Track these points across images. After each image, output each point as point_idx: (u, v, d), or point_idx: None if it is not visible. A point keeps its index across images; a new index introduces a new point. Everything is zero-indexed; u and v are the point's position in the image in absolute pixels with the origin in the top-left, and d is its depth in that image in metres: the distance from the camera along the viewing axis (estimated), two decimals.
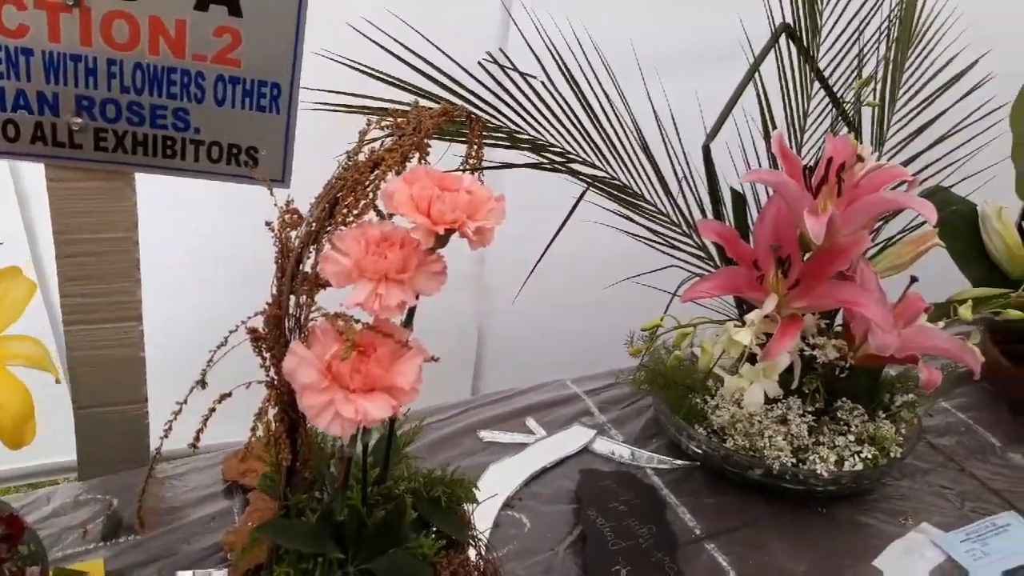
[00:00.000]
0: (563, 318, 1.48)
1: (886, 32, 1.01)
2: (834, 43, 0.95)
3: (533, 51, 0.80)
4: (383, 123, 0.63)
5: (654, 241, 0.89)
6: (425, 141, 0.65)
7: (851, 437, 0.91)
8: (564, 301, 1.45)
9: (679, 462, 0.96)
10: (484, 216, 0.57)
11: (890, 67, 1.03)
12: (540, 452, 0.95)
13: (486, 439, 0.98)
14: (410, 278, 0.56)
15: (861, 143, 1.02)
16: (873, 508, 0.92)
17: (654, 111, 0.88)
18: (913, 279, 0.93)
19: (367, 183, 0.59)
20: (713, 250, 0.93)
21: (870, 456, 0.89)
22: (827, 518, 0.91)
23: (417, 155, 0.64)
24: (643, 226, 0.90)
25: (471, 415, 1.02)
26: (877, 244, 1.04)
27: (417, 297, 0.59)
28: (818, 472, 0.87)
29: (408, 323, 0.61)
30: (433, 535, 0.68)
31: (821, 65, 0.95)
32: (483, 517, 0.83)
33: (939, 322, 0.96)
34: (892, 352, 0.87)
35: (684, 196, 0.90)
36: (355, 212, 0.59)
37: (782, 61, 0.92)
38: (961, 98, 1.06)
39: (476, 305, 1.56)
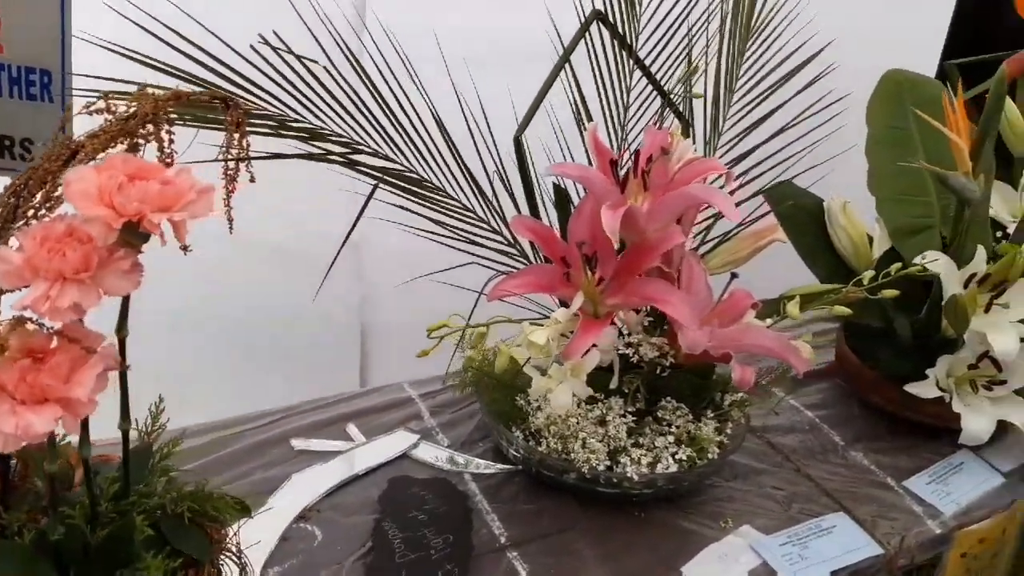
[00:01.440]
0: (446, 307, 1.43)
1: (723, 19, 0.98)
2: (655, 30, 0.91)
3: (315, 37, 0.76)
4: (92, 108, 0.57)
5: (454, 238, 0.85)
6: (168, 129, 0.60)
7: (670, 438, 0.88)
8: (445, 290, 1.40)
9: (501, 467, 0.92)
10: (181, 208, 0.52)
11: (725, 57, 1.00)
12: (351, 460, 0.90)
13: (298, 448, 0.93)
14: (93, 277, 0.51)
15: (693, 135, 0.99)
16: (696, 511, 0.90)
17: (460, 104, 0.84)
18: (733, 275, 0.90)
19: (61, 176, 0.54)
20: (527, 247, 0.89)
21: (685, 457, 0.86)
22: (645, 522, 0.87)
23: (157, 144, 0.59)
24: (442, 223, 0.85)
25: (289, 422, 0.97)
26: (713, 239, 1.02)
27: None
28: (628, 475, 0.83)
29: (122, 325, 0.56)
30: (172, 554, 0.63)
31: (644, 54, 0.92)
32: (271, 531, 0.79)
33: (767, 319, 0.94)
34: (703, 350, 0.84)
35: (495, 192, 0.86)
36: (47, 207, 0.54)
37: (594, 50, 0.88)
38: (802, 89, 1.04)
39: (355, 296, 1.50)
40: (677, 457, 0.85)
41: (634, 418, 0.89)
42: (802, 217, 1.12)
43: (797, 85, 1.04)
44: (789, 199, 1.11)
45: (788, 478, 0.97)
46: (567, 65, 0.84)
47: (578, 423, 0.87)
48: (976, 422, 0.97)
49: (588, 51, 0.87)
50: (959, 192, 0.96)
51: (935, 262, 0.98)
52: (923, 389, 1.00)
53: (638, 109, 0.94)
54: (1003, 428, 1.06)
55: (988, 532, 0.95)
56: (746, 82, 1.03)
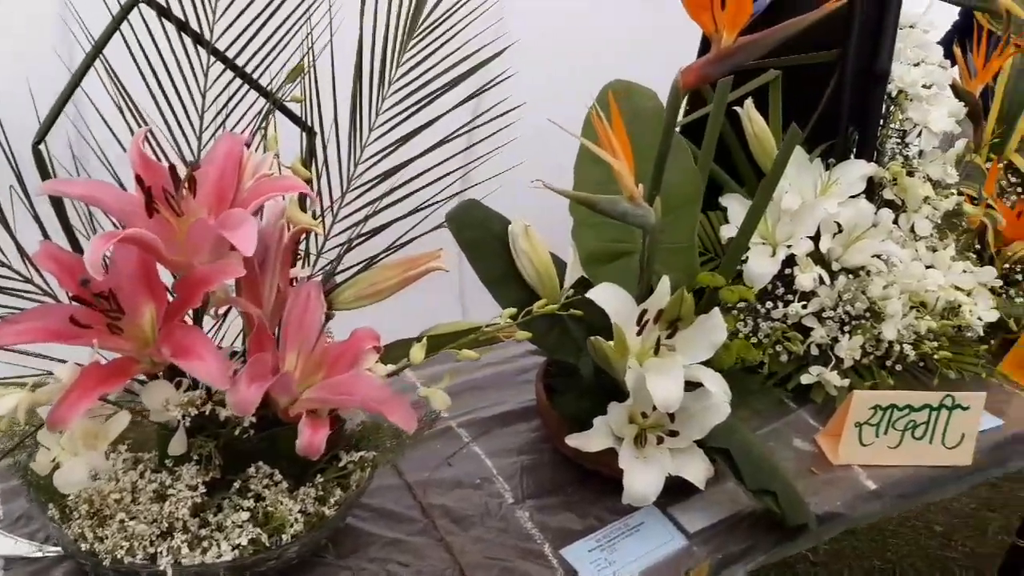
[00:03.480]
0: None
1: (362, 12, 0.83)
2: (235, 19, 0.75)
3: None
4: None
5: None
6: None
7: (244, 515, 0.72)
8: None
9: (52, 551, 0.75)
10: None
11: (378, 55, 0.86)
12: None
13: None
14: None
15: (323, 144, 0.84)
16: None
17: None
18: (328, 316, 0.75)
19: None
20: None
21: (245, 543, 0.70)
22: None
23: None
24: None
25: None
26: (358, 263, 0.87)
27: None
28: (161, 569, 0.67)
29: None
30: None
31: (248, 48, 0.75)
32: None
33: (389, 365, 0.80)
34: (249, 409, 0.68)
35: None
36: None
37: (126, 39, 0.70)
38: (469, 98, 0.90)
39: None
40: (236, 542, 0.70)
41: (206, 491, 0.73)
42: (489, 242, 0.98)
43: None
44: (473, 222, 0.98)
45: (422, 549, 0.83)
46: (102, 58, 0.67)
47: (123, 499, 0.70)
48: (640, 479, 0.85)
49: (124, 39, 0.69)
50: (622, 218, 0.83)
51: (600, 296, 0.86)
52: (586, 440, 0.87)
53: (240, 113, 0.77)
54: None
55: None
56: (406, 85, 0.89)
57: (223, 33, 0.74)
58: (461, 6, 0.89)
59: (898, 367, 1.18)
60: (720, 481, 0.94)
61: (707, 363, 0.89)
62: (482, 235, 0.97)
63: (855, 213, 1.18)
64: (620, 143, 0.81)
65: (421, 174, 0.87)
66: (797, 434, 1.10)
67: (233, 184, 0.70)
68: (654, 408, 0.87)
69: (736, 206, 1.23)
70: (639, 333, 0.86)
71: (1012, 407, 1.24)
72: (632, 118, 1.06)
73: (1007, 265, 1.41)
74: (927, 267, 1.28)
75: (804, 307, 1.14)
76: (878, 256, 1.19)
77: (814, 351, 1.17)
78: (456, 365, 1.14)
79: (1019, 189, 1.47)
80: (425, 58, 0.89)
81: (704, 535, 0.90)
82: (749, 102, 1.21)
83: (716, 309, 0.89)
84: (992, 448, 1.15)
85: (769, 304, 1.15)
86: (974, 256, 1.40)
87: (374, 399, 0.74)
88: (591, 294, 0.86)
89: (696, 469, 0.87)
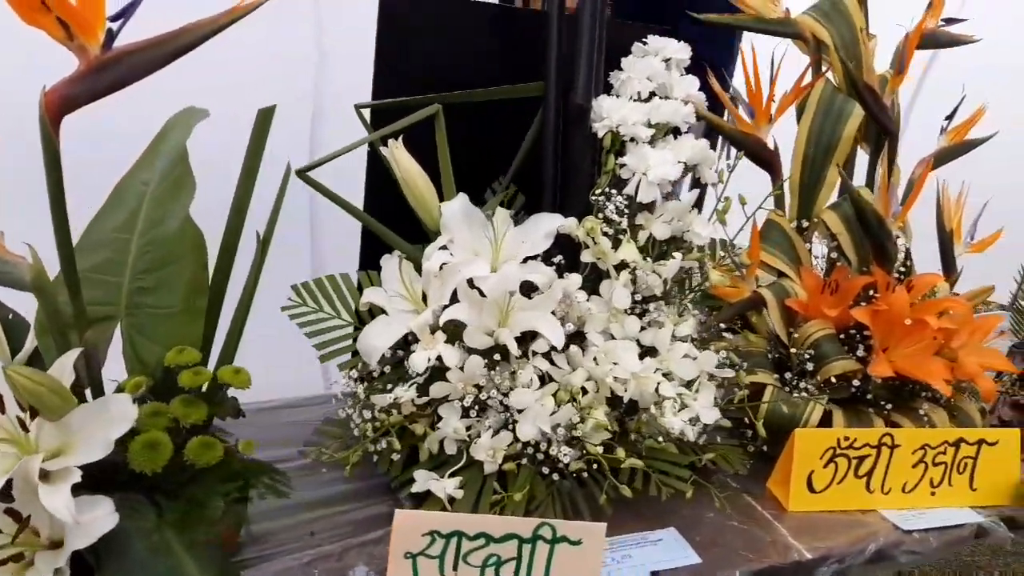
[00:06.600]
0: None
1: None
2: None
3: None
4: None
5: None
6: None
7: None
8: None
9: None
10: None
11: None
12: None
13: None
14: None
15: None
16: None
17: None
18: None
19: None
20: None
21: None
22: None
23: None
24: None
25: None
26: None
27: None
28: None
29: None
30: None
31: None
32: None
33: None
34: None
35: None
36: None
37: None
38: None
39: None
40: None
41: None
42: None
43: None
44: None
45: None
46: None
47: None
48: None
49: None
50: None
51: None
52: None
53: None
54: None
55: None
56: None
57: None
58: None
59: (555, 477, 0.92)
60: None
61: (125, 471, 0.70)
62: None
63: (499, 279, 0.94)
64: None
65: None
66: (372, 560, 0.86)
67: None
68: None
69: (392, 267, 1.01)
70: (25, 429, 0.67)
71: (740, 539, 0.95)
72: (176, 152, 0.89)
73: (795, 350, 1.11)
74: (645, 349, 1.01)
75: (420, 392, 0.91)
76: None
77: (450, 448, 0.93)
78: None
79: (833, 255, 1.17)
80: None
81: None
82: (396, 142, 1.00)
83: (120, 395, 0.69)
84: None
85: (364, 386, 0.92)
86: (761, 339, 1.12)
87: None
88: None
89: None
